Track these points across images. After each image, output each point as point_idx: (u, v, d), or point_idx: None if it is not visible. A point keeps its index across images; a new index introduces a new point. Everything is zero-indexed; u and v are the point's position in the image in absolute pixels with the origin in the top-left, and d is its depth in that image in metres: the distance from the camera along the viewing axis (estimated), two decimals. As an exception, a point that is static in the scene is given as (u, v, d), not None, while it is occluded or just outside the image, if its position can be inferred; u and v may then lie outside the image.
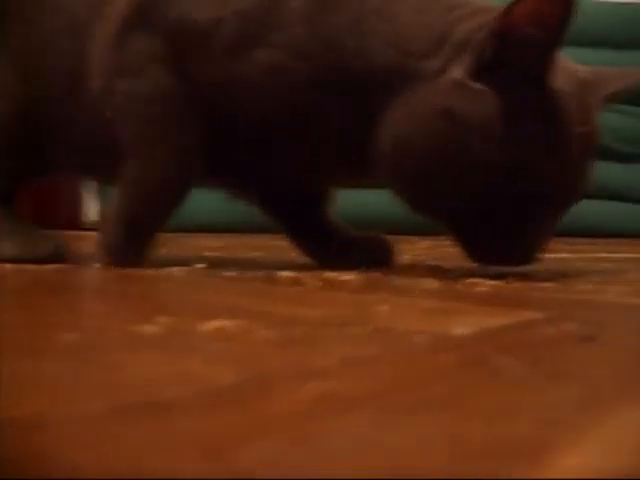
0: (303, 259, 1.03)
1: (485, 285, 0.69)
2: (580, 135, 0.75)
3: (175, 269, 0.77)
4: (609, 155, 2.49)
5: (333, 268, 0.79)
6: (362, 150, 0.78)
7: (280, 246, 1.25)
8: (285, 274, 0.74)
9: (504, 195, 0.73)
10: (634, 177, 2.52)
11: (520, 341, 0.42)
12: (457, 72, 0.74)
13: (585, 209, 2.40)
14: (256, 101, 0.80)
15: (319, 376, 0.31)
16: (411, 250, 1.27)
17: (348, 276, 0.73)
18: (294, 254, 1.11)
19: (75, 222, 2.53)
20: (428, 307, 0.56)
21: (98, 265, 0.79)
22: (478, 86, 0.73)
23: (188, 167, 0.83)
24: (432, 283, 0.69)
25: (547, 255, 1.24)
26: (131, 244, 0.81)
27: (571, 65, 0.79)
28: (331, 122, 0.81)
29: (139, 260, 0.79)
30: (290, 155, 0.84)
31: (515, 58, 0.72)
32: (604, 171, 2.48)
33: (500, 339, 0.42)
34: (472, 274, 0.75)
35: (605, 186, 2.46)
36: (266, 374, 0.32)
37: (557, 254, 1.28)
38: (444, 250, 1.30)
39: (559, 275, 0.82)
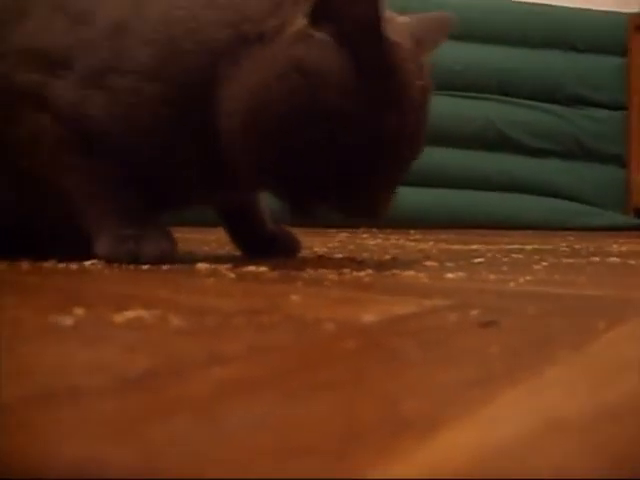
0: (220, 251, 1.04)
1: (394, 276, 0.71)
2: (419, 88, 0.77)
3: (88, 262, 0.77)
4: (520, 149, 2.56)
5: (254, 260, 0.81)
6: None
7: (197, 239, 1.26)
8: (203, 266, 0.75)
9: (352, 148, 0.74)
10: (544, 171, 2.60)
11: (422, 327, 0.44)
12: (299, 22, 0.75)
13: (498, 202, 2.48)
14: (118, 127, 0.80)
15: (226, 361, 0.33)
16: (327, 242, 1.29)
17: (262, 268, 0.74)
18: (208, 247, 1.12)
19: None
20: (338, 297, 0.58)
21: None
22: (320, 35, 0.74)
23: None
24: (344, 274, 0.71)
25: (460, 247, 1.28)
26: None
27: (397, 17, 0.81)
28: (194, 125, 0.80)
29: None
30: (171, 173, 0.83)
31: (348, 6, 0.73)
32: (516, 165, 2.56)
33: (404, 326, 0.44)
34: (382, 266, 0.77)
35: (517, 180, 2.54)
36: (176, 360, 0.33)
37: (469, 245, 1.32)
38: (358, 243, 1.33)
39: (468, 265, 0.85)
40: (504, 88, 2.56)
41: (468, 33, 2.48)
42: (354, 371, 0.32)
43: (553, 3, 2.72)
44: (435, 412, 0.26)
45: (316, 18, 0.74)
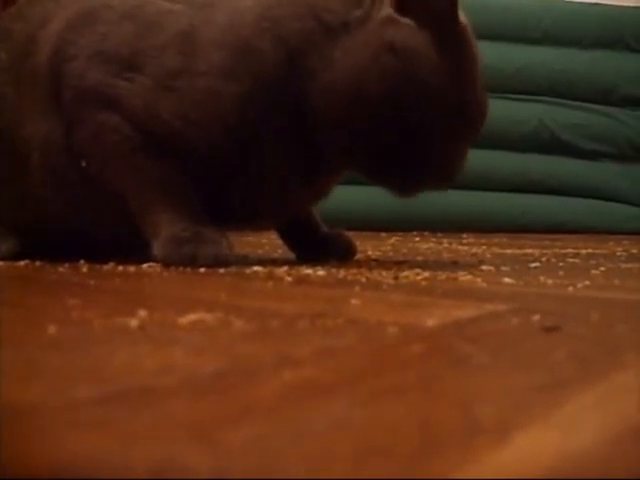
0: (274, 254, 1.04)
1: (451, 280, 0.71)
2: (481, 60, 0.85)
3: (145, 265, 0.78)
4: (573, 152, 2.53)
5: (309, 263, 0.81)
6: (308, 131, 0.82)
7: (249, 242, 1.26)
8: (259, 269, 0.76)
9: (437, 119, 0.79)
10: (598, 174, 2.56)
11: (486, 331, 0.44)
12: (384, 10, 0.80)
13: (550, 205, 2.45)
14: (194, 129, 0.82)
15: (296, 365, 0.33)
16: (379, 246, 1.29)
17: (319, 271, 0.74)
18: (262, 250, 1.12)
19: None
20: (397, 301, 0.58)
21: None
22: (406, 20, 0.79)
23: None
24: (400, 278, 0.71)
25: (513, 251, 1.27)
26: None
27: None
28: (276, 123, 0.83)
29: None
30: (250, 172, 0.84)
31: None
32: (568, 167, 2.53)
33: (467, 330, 0.44)
34: (437, 269, 0.77)
35: (570, 183, 2.50)
36: (245, 363, 0.34)
37: (522, 249, 1.30)
38: (410, 246, 1.32)
39: (524, 270, 0.85)
40: (557, 90, 2.53)
41: (519, 34, 2.46)
42: (424, 375, 0.32)
43: (605, 2, 2.67)
44: (508, 416, 0.26)
45: (399, 9, 0.80)
